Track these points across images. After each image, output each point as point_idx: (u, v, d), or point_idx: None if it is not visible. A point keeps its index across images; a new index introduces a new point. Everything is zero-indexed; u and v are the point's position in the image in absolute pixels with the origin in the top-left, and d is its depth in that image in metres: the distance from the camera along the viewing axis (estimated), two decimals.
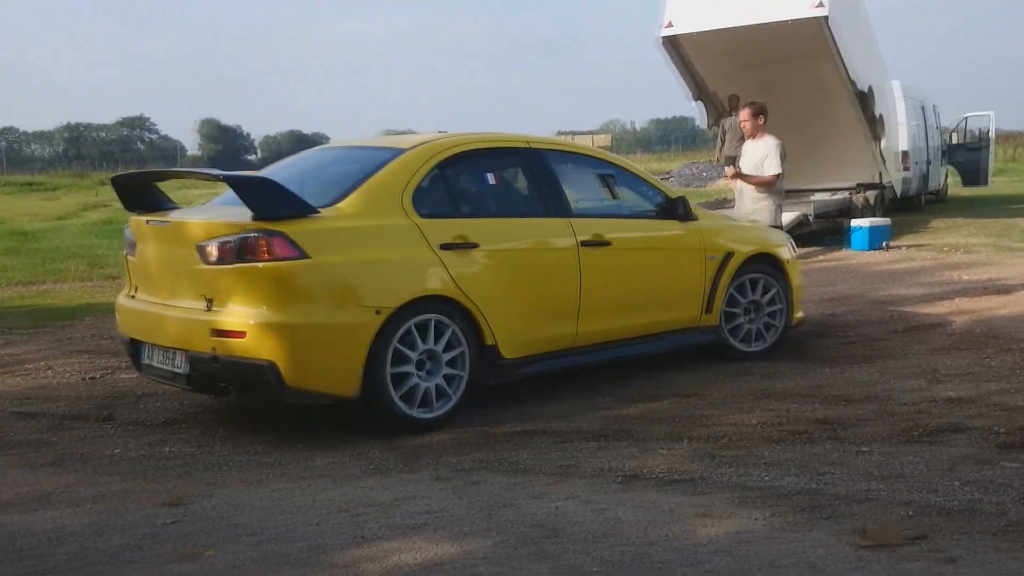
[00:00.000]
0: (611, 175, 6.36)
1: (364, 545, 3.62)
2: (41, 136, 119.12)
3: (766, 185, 8.13)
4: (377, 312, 4.88)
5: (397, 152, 5.45)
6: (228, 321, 4.75)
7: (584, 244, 5.75)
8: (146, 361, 5.33)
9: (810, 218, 13.53)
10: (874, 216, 14.13)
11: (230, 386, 4.95)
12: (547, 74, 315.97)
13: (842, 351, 6.94)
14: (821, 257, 12.83)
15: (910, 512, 3.76)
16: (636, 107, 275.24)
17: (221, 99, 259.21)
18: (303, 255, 4.75)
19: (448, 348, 5.18)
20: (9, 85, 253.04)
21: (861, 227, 13.23)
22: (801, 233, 13.53)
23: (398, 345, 4.97)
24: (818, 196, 15.00)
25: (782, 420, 5.11)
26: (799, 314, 7.10)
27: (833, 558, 3.35)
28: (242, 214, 4.84)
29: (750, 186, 8.23)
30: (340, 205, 5.06)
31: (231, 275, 4.77)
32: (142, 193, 5.71)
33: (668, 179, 34.22)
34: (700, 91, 14.68)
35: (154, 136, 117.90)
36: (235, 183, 4.94)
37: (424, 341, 5.08)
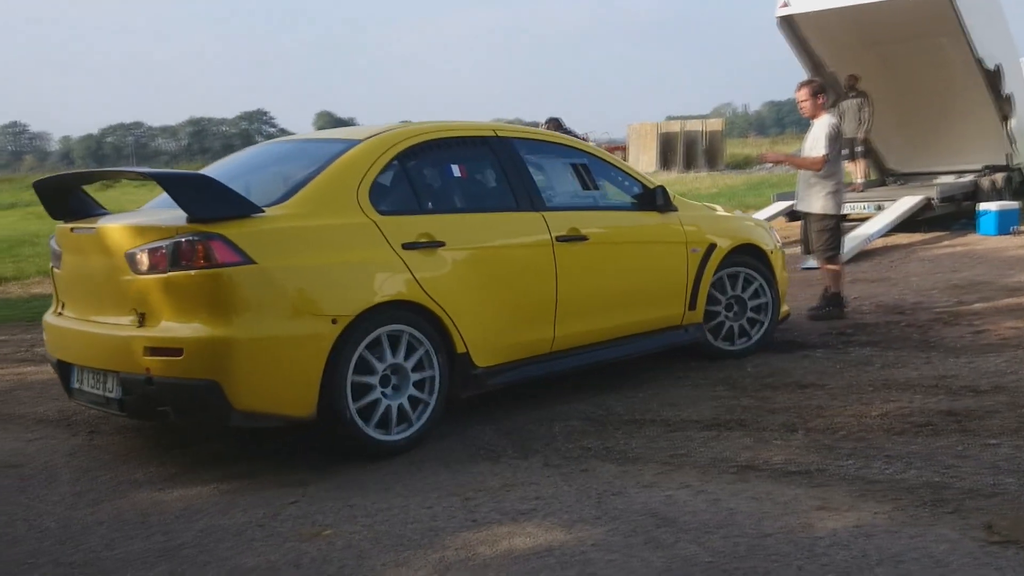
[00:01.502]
0: (585, 165, 5.92)
1: (476, 529, 3.67)
2: (167, 130, 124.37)
3: (809, 169, 7.58)
4: (334, 321, 4.38)
5: (351, 144, 4.98)
6: (163, 337, 4.26)
7: (559, 239, 5.33)
8: (76, 385, 4.81)
9: (935, 202, 13.01)
10: (1002, 200, 13.50)
11: (169, 410, 4.39)
12: (657, 58, 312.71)
13: (969, 340, 6.66)
14: (947, 242, 12.34)
15: None
16: (750, 89, 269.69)
17: (336, 92, 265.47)
18: (247, 260, 4.24)
19: (416, 359, 4.71)
20: (137, 81, 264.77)
21: (989, 211, 12.66)
22: (926, 218, 13.06)
23: (359, 359, 4.48)
24: (943, 179, 14.42)
25: (905, 411, 4.93)
26: (784, 308, 6.73)
27: (958, 554, 3.23)
28: (177, 216, 4.36)
29: (806, 171, 7.83)
30: (288, 203, 4.57)
31: (165, 285, 4.28)
32: (68, 198, 5.13)
33: (772, 167, 33.45)
34: (818, 72, 14.25)
35: (272, 129, 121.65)
36: (165, 181, 4.43)
37: (389, 353, 4.60)
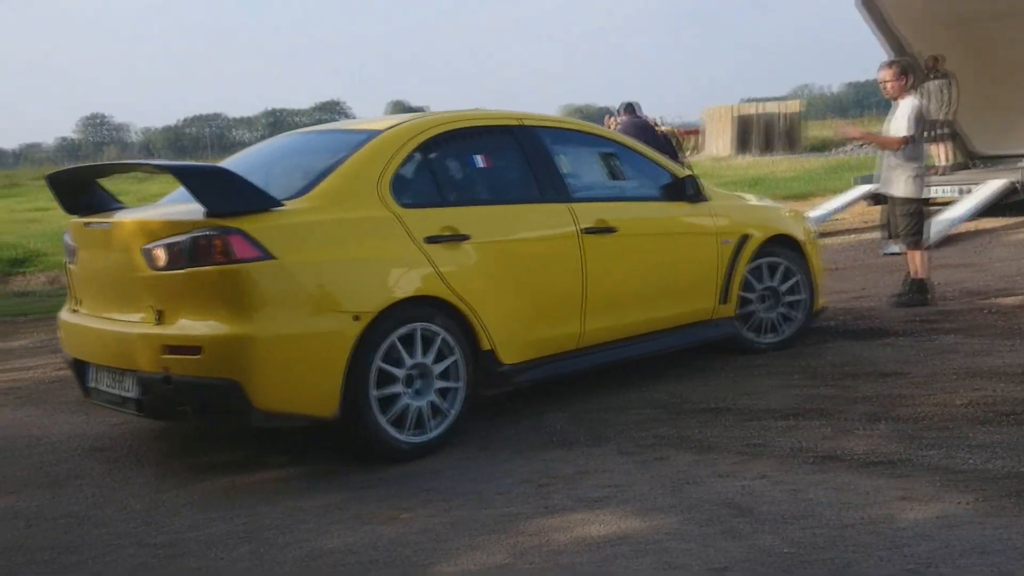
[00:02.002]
0: (612, 154, 5.76)
1: (550, 515, 3.68)
2: (244, 122, 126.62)
3: (890, 147, 7.37)
4: (356, 318, 4.25)
5: (371, 135, 4.84)
6: (181, 335, 4.16)
7: (587, 231, 5.15)
8: (92, 384, 4.71)
9: (1020, 186, 12.59)
10: None
11: (188, 410, 4.31)
12: (733, 38, 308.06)
13: None
14: None
15: None
16: (830, 70, 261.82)
17: (409, 81, 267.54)
18: (266, 255, 4.14)
19: (439, 357, 4.54)
20: (215, 73, 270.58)
21: None
22: (1011, 202, 12.65)
23: (382, 357, 4.34)
24: None
25: (991, 400, 4.79)
26: (821, 300, 6.48)
27: None
28: (194, 211, 4.25)
29: (887, 152, 7.60)
30: (308, 197, 4.45)
31: (183, 281, 4.17)
32: (82, 192, 5.04)
33: (863, 146, 32.68)
34: (900, 52, 13.88)
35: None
36: (182, 174, 4.38)
37: (412, 351, 4.45)
